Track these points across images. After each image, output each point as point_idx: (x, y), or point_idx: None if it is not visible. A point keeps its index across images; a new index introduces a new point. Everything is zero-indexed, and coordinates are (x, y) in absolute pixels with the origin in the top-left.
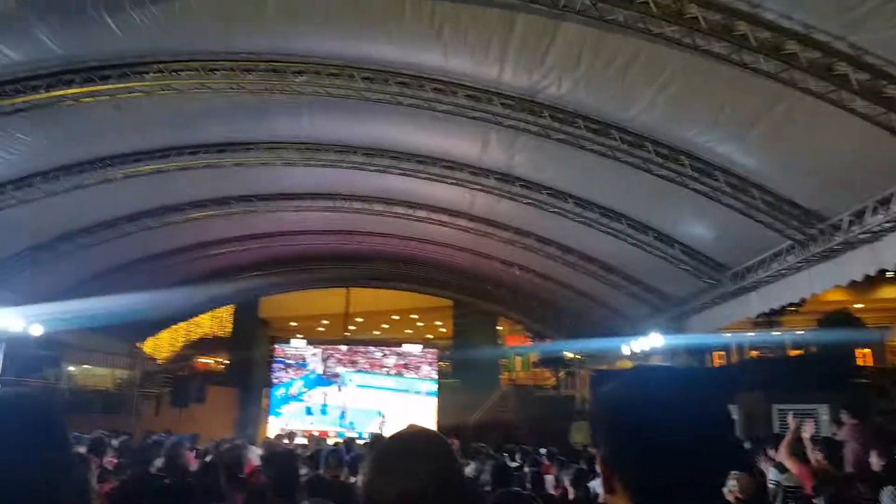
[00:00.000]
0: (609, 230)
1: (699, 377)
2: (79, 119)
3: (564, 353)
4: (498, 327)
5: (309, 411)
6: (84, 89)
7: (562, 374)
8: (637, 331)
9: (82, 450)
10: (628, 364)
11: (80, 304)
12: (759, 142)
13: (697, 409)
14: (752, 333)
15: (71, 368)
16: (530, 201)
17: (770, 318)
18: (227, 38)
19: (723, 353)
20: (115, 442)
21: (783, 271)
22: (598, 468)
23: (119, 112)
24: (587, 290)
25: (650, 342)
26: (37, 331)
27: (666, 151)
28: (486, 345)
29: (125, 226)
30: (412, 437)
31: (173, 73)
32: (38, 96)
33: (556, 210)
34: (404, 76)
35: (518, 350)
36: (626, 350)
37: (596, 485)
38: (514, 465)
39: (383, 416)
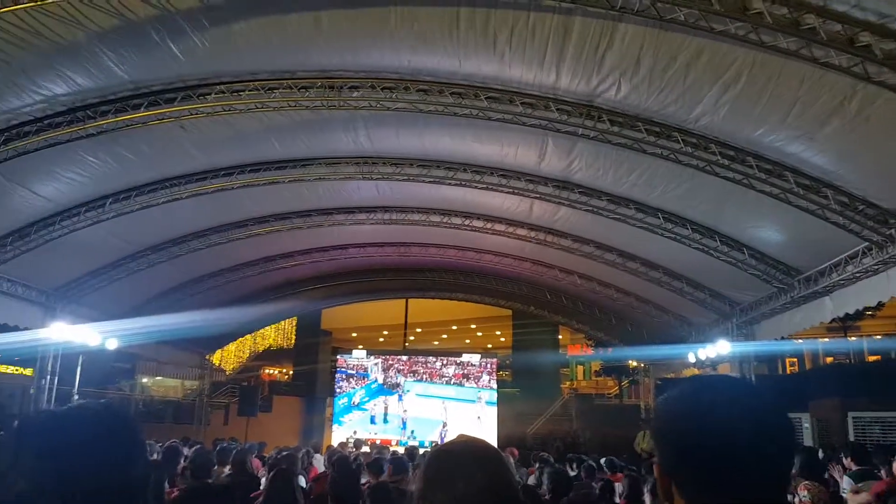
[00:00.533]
0: (673, 235)
1: (760, 387)
2: (146, 141)
3: (627, 361)
4: (558, 336)
5: (372, 420)
6: (150, 112)
7: (625, 382)
8: (703, 338)
9: (155, 457)
10: (695, 372)
11: (151, 318)
12: (831, 140)
13: (756, 419)
14: (826, 339)
15: (144, 380)
16: (589, 208)
17: (846, 324)
18: (284, 57)
19: (795, 359)
20: (187, 450)
21: (859, 274)
22: (655, 475)
23: (184, 133)
24: (650, 297)
25: (717, 349)
26: (112, 345)
27: (732, 153)
28: (547, 353)
29: (192, 242)
30: (464, 448)
31: (234, 94)
32: (107, 121)
33: (616, 216)
34: (459, 86)
35: (579, 359)
36: (691, 358)
37: None
38: (572, 474)
39: (444, 426)
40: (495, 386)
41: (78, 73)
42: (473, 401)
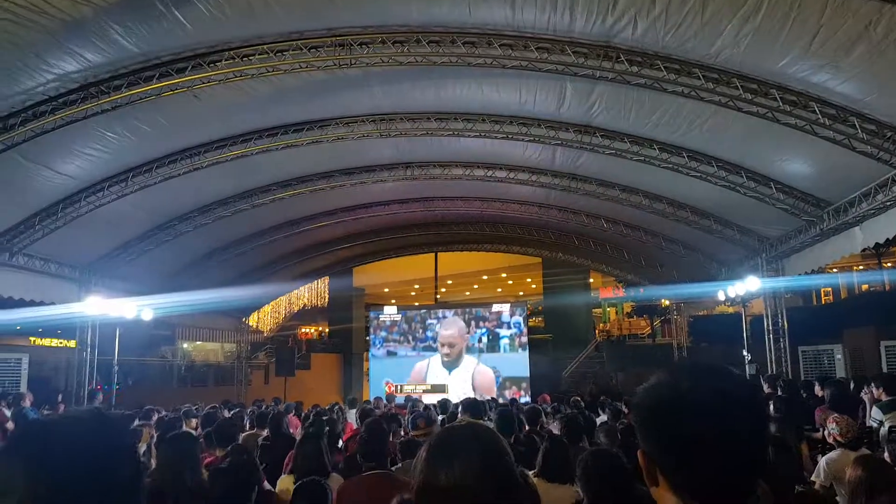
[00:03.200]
0: (699, 174)
1: (738, 375)
2: (161, 113)
3: (659, 301)
4: (589, 280)
5: (405, 374)
6: (162, 83)
7: (657, 322)
8: (733, 275)
9: (194, 423)
10: (727, 309)
11: (184, 292)
12: (857, 67)
13: (731, 407)
14: (861, 268)
15: (184, 345)
16: (612, 151)
17: (879, 251)
18: (291, 18)
19: (829, 289)
20: (227, 413)
21: (889, 203)
22: (640, 461)
23: (198, 102)
24: (678, 236)
25: (746, 286)
26: (147, 315)
27: (755, 86)
28: (578, 298)
29: (217, 210)
30: (463, 432)
31: (244, 59)
32: (120, 95)
33: (640, 158)
34: (471, 35)
35: (611, 301)
36: (721, 296)
37: None
38: (603, 418)
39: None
40: (527, 333)
41: (87, 48)
42: (506, 349)
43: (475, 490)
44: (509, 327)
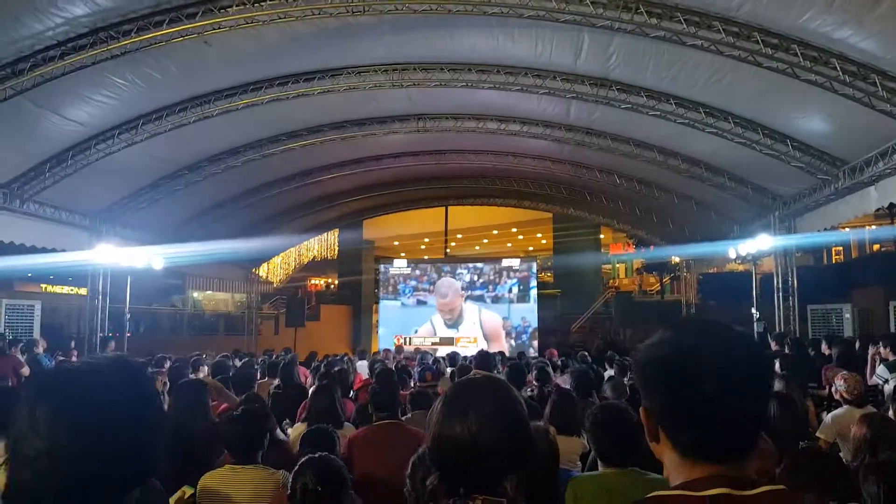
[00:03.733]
0: (715, 130)
1: (740, 334)
2: (172, 59)
3: (669, 258)
4: (600, 236)
5: (414, 326)
6: (173, 29)
7: (666, 279)
8: (745, 233)
9: (205, 371)
10: (737, 267)
11: (196, 236)
12: (881, 23)
13: (732, 365)
14: (872, 227)
15: (195, 294)
16: (628, 105)
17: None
18: None
19: (840, 248)
20: (237, 362)
21: None
22: (641, 417)
23: (209, 49)
24: (691, 193)
25: (757, 244)
26: (158, 264)
27: (775, 41)
28: (588, 254)
29: (228, 160)
30: (477, 384)
31: (255, 4)
32: (130, 40)
33: (656, 113)
34: None
35: (621, 257)
36: (732, 254)
37: None
38: (610, 372)
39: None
40: (536, 288)
41: None
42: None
43: (490, 440)
44: (518, 282)
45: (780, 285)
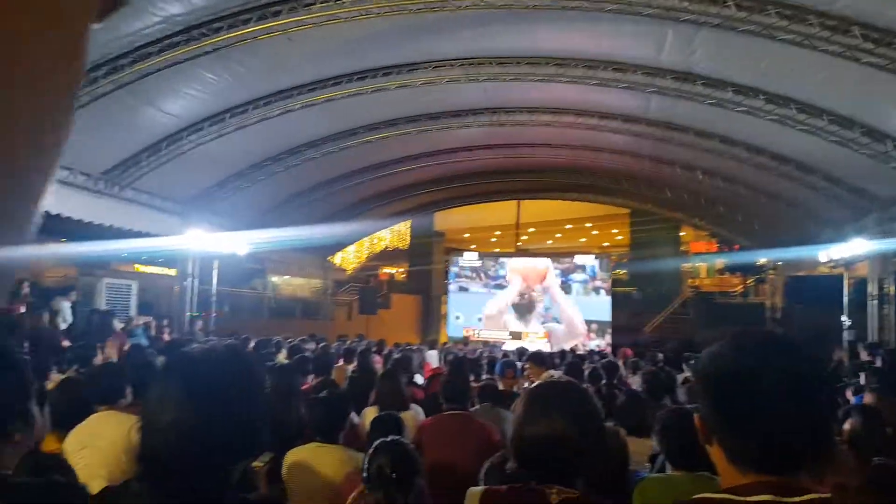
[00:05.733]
0: (807, 127)
1: (801, 350)
2: (257, 55)
3: (754, 259)
4: (680, 234)
5: (484, 318)
6: (259, 26)
7: (750, 280)
8: (838, 236)
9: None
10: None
11: (277, 223)
12: None
13: (789, 383)
14: None
15: (274, 279)
16: (713, 101)
17: None
18: None
19: None
20: (313, 345)
21: None
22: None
23: (292, 45)
24: (780, 192)
25: (851, 248)
26: (242, 249)
27: (876, 35)
28: (667, 252)
29: (307, 152)
30: (554, 387)
31: (337, 2)
32: (221, 37)
33: (743, 109)
34: None
35: (702, 257)
36: (823, 257)
37: None
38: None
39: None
40: (609, 286)
41: None
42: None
43: (568, 440)
44: (584, 271)
45: (876, 292)
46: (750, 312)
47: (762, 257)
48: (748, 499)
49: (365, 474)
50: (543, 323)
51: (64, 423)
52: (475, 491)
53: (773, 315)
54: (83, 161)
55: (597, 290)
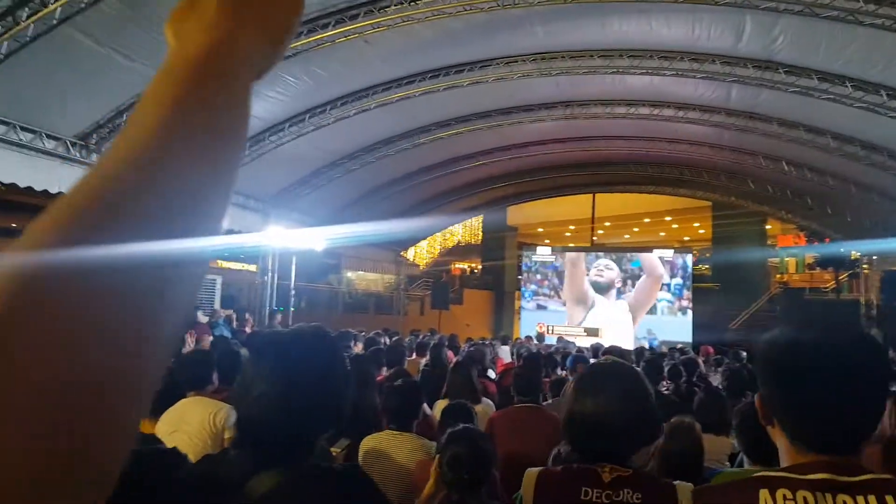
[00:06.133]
0: None
1: (855, 337)
2: (335, 58)
3: (847, 253)
4: (766, 227)
5: (556, 318)
6: (338, 30)
7: (843, 276)
8: None
9: (360, 346)
10: None
11: (352, 219)
12: None
13: (845, 369)
14: None
15: (349, 274)
16: (797, 89)
17: None
18: None
19: None
20: (387, 339)
21: None
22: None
23: (368, 46)
24: (872, 182)
25: None
26: (319, 245)
27: None
28: (752, 246)
29: (382, 149)
30: (608, 367)
31: (411, 4)
32: (301, 42)
33: (829, 97)
34: None
35: (791, 251)
36: None
37: None
38: None
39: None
40: (690, 281)
41: None
42: (665, 297)
43: (616, 420)
44: (668, 290)
45: None
46: (843, 309)
47: (855, 250)
48: (806, 476)
49: (438, 463)
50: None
51: (156, 407)
52: (532, 472)
53: (869, 312)
54: None
55: (683, 310)
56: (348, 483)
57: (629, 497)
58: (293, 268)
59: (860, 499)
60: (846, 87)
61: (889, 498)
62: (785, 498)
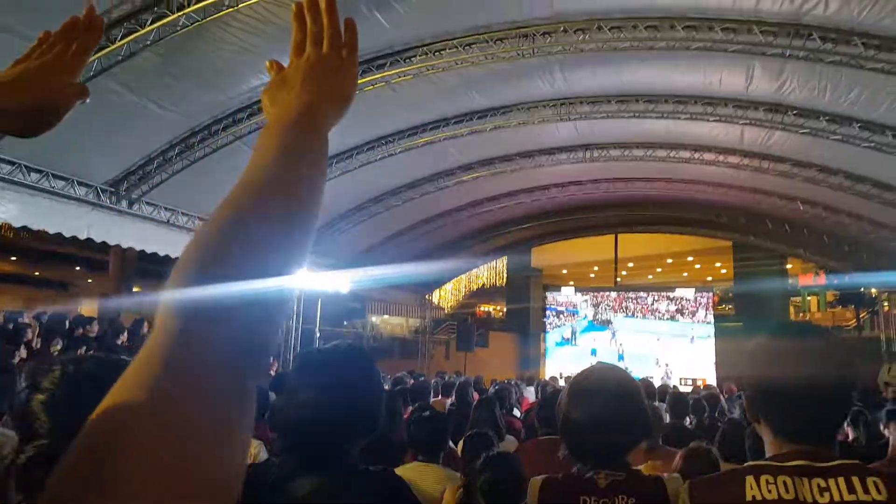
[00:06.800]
0: None
1: (829, 342)
2: (362, 105)
3: (868, 290)
4: (786, 266)
5: (594, 352)
6: (364, 79)
7: (863, 313)
8: None
9: (387, 386)
10: None
11: (377, 262)
12: None
13: (816, 369)
14: None
15: (373, 318)
16: (807, 130)
17: None
18: (478, 14)
19: None
20: (412, 381)
21: None
22: (744, 402)
23: (394, 94)
24: (886, 220)
25: None
26: (345, 288)
27: None
28: (773, 284)
29: (406, 192)
30: (601, 374)
31: (435, 54)
32: None
33: (838, 137)
34: (653, 19)
35: (811, 289)
36: None
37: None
38: None
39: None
40: (712, 320)
41: None
42: (691, 337)
43: (610, 422)
44: (693, 314)
45: None
46: (864, 347)
47: (873, 287)
48: (785, 464)
49: (463, 488)
50: None
51: None
52: (537, 480)
53: (890, 348)
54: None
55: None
56: (384, 485)
57: (623, 502)
58: (318, 311)
59: (831, 481)
60: (853, 127)
61: (855, 479)
62: (767, 482)
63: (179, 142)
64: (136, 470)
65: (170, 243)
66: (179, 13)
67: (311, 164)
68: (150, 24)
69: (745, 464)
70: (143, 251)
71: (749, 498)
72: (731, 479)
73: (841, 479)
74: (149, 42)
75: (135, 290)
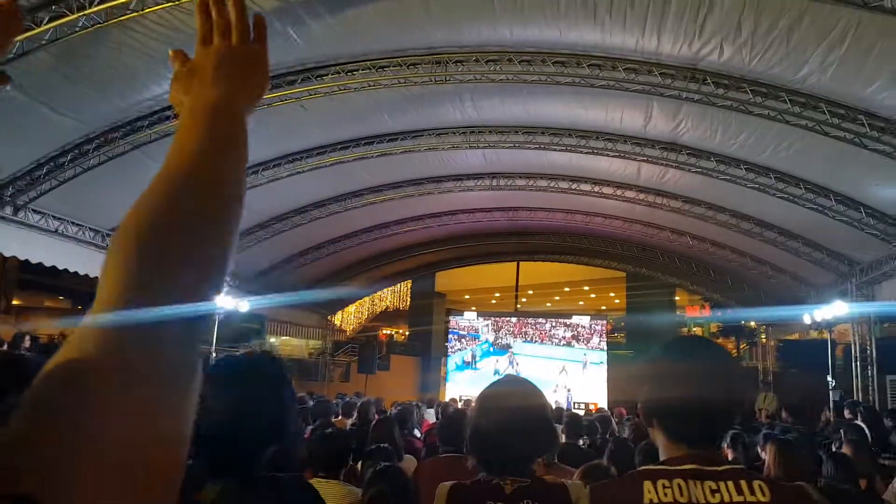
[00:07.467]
0: (786, 196)
1: (718, 353)
2: (271, 121)
3: (746, 322)
4: (675, 297)
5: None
6: (275, 94)
7: (743, 345)
8: (821, 299)
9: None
10: (813, 335)
11: (278, 282)
12: None
13: (704, 376)
14: None
15: (272, 339)
16: (699, 169)
17: None
18: (394, 37)
19: None
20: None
21: None
22: (638, 409)
23: (304, 112)
24: (766, 257)
25: (833, 311)
26: (243, 307)
27: (843, 111)
28: (663, 316)
29: (313, 212)
30: (508, 385)
31: (348, 74)
32: None
33: (727, 177)
34: (561, 55)
35: (697, 320)
36: (807, 319)
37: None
38: None
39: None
40: (605, 347)
41: None
42: (585, 362)
43: (516, 432)
44: (588, 341)
45: (858, 354)
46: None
47: (752, 320)
48: (678, 467)
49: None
50: None
51: None
52: (445, 485)
53: (767, 378)
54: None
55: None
56: (291, 490)
57: None
58: (214, 332)
59: (721, 484)
60: (740, 168)
61: (743, 482)
62: (664, 486)
63: (72, 148)
64: (101, 428)
65: (58, 253)
66: (80, 13)
67: (237, 150)
68: (47, 22)
69: (641, 468)
70: (27, 261)
71: (647, 501)
72: (629, 483)
73: (730, 482)
74: (44, 41)
75: (14, 302)
